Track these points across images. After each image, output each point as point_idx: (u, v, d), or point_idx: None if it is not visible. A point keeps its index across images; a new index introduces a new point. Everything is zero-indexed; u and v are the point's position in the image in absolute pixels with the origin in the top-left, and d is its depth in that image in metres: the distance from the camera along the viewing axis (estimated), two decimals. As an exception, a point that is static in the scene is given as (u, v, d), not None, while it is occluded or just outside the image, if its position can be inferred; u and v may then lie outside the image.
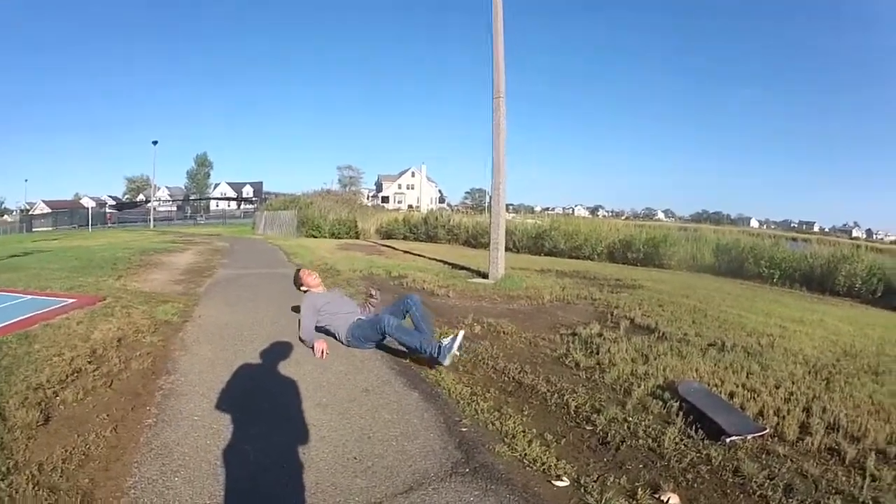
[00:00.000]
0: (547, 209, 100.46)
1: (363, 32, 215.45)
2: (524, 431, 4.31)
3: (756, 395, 5.19)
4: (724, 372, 5.92)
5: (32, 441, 3.97)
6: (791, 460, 3.98)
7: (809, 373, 6.19)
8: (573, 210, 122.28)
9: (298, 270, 7.86)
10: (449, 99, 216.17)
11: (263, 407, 4.82)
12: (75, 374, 5.44)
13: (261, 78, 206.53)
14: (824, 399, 5.25)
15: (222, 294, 10.86)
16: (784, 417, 4.66)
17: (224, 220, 66.45)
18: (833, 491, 3.62)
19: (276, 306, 9.22)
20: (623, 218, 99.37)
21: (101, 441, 4.02)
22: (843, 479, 3.79)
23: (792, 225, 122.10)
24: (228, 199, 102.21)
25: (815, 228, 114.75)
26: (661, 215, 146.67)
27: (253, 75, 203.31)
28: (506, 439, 4.18)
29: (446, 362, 5.58)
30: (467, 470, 3.71)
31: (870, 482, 3.72)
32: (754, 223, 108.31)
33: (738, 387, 5.42)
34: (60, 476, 3.49)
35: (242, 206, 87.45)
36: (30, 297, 9.81)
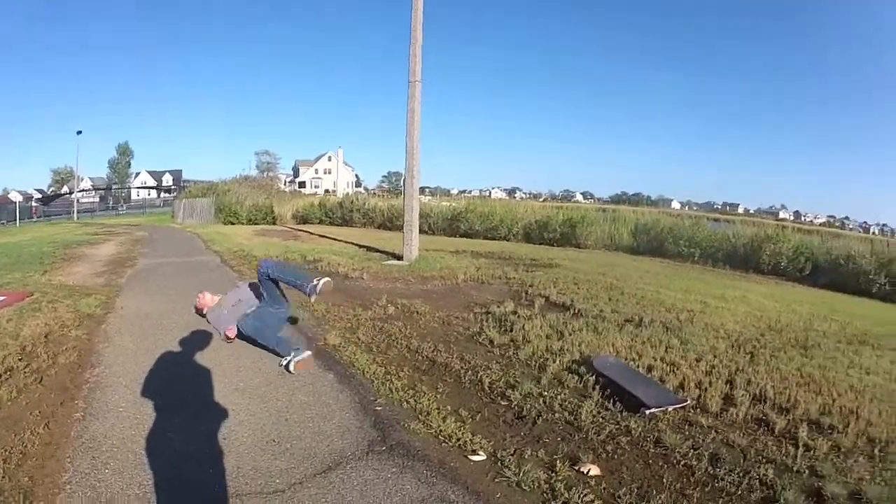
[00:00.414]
0: (464, 192, 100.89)
1: (282, 13, 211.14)
2: (439, 408, 4.36)
3: (676, 369, 5.21)
4: (642, 346, 5.94)
5: None
6: (716, 431, 3.99)
7: (732, 347, 6.23)
8: (490, 192, 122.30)
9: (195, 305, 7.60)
10: (367, 83, 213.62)
11: (185, 394, 4.80)
12: (8, 373, 5.34)
13: (179, 64, 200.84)
14: (749, 372, 5.29)
15: (143, 285, 10.58)
16: (706, 390, 4.67)
17: (145, 210, 65.05)
18: (763, 460, 3.62)
19: (194, 295, 8.70)
20: (541, 200, 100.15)
21: (36, 438, 3.97)
22: (774, 448, 3.79)
23: (715, 206, 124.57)
24: (149, 188, 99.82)
25: (741, 210, 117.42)
26: (579, 197, 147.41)
27: (172, 61, 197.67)
28: (421, 416, 4.22)
29: (313, 299, 5.69)
30: (384, 448, 3.74)
31: (803, 451, 3.72)
32: (675, 204, 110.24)
33: (656, 360, 5.44)
34: (3, 477, 3.45)
35: (163, 195, 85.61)
36: None
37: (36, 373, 5.34)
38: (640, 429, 3.93)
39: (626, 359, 5.40)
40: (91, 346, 6.28)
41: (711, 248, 17.97)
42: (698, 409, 4.35)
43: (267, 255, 14.34)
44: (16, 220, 52.24)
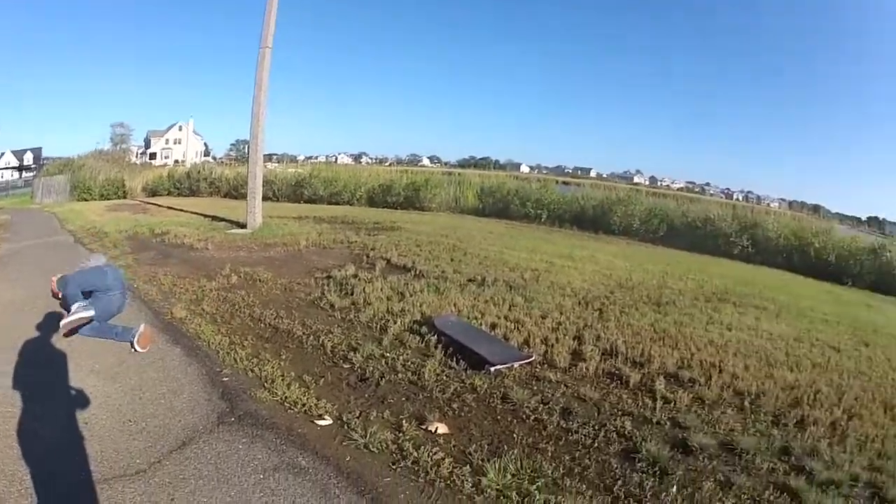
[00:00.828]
0: (310, 158, 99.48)
1: None
2: (283, 375, 4.44)
3: (520, 326, 5.33)
4: (485, 305, 6.07)
5: None
6: (566, 386, 4.11)
7: (580, 304, 6.42)
8: (336, 158, 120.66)
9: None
10: (220, 50, 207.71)
11: (48, 382, 4.71)
12: None
13: (35, 33, 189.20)
14: (597, 328, 5.48)
15: (3, 271, 10.16)
16: (553, 346, 4.80)
17: (8, 192, 61.01)
18: (620, 413, 3.77)
19: (51, 275, 8.53)
20: (387, 164, 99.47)
21: None
22: (630, 401, 3.95)
23: (566, 170, 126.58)
24: (11, 168, 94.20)
25: (593, 174, 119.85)
26: (426, 161, 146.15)
27: (27, 31, 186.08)
28: (266, 384, 4.30)
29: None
30: (233, 419, 3.79)
31: (662, 404, 3.86)
32: (525, 168, 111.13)
33: (500, 318, 5.56)
34: None
35: (24, 175, 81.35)
36: None
37: None
38: (485, 386, 4.04)
39: (468, 318, 5.51)
40: None
41: (559, 210, 18.35)
42: (546, 365, 4.48)
43: (118, 230, 14.20)
44: None
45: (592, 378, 4.23)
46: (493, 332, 5.08)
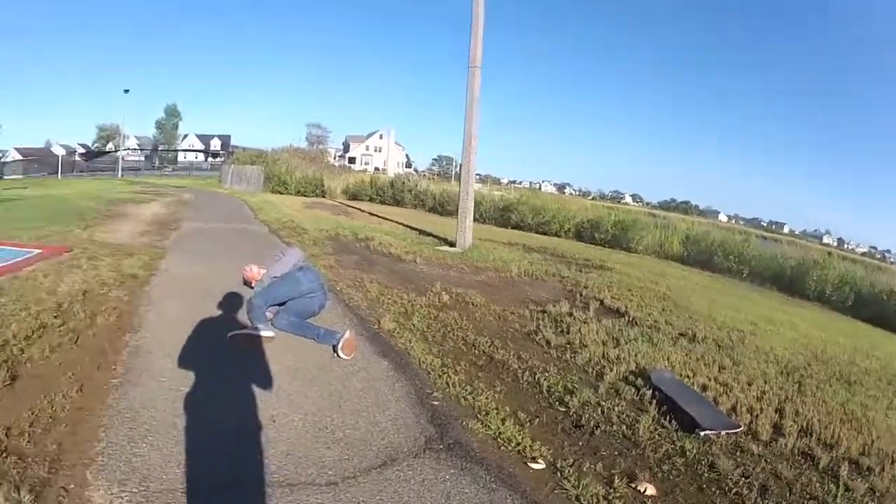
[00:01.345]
0: (513, 182, 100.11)
1: None
2: (497, 408, 4.26)
3: (728, 391, 5.15)
4: (696, 363, 5.90)
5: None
6: (765, 460, 3.93)
7: (781, 373, 6.17)
8: (540, 185, 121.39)
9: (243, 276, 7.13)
10: (422, 63, 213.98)
11: (231, 369, 4.68)
12: (41, 330, 5.19)
13: (229, 29, 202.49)
14: (797, 402, 5.22)
15: (189, 248, 10.68)
16: (757, 416, 4.62)
17: (191, 172, 65.11)
18: (808, 496, 3.59)
19: (241, 263, 8.71)
20: (590, 198, 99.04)
21: (68, 402, 3.82)
22: (817, 485, 3.76)
23: (762, 223, 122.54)
24: (196, 150, 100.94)
25: (786, 230, 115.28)
26: (628, 199, 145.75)
27: (222, 27, 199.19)
28: (479, 416, 4.14)
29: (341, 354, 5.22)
30: (441, 447, 3.64)
31: (843, 491, 3.68)
32: (723, 217, 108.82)
33: (710, 380, 5.40)
34: (28, 441, 3.30)
35: (210, 160, 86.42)
36: None
37: (72, 332, 5.20)
38: (694, 450, 3.89)
39: (680, 375, 5.38)
40: (132, 309, 6.18)
41: (759, 267, 17.73)
42: (749, 436, 4.30)
43: (318, 228, 14.49)
44: (57, 172, 52.71)
45: (789, 456, 4.06)
46: (704, 394, 4.95)
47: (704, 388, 5.16)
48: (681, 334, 7.09)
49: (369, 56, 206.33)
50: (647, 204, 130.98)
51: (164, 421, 3.66)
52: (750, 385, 5.45)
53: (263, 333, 5.28)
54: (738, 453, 4.00)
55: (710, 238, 19.94)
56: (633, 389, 4.84)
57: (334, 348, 5.23)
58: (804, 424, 4.68)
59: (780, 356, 6.88)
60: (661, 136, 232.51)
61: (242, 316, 6.05)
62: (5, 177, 56.71)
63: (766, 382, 5.65)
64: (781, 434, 4.39)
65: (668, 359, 5.89)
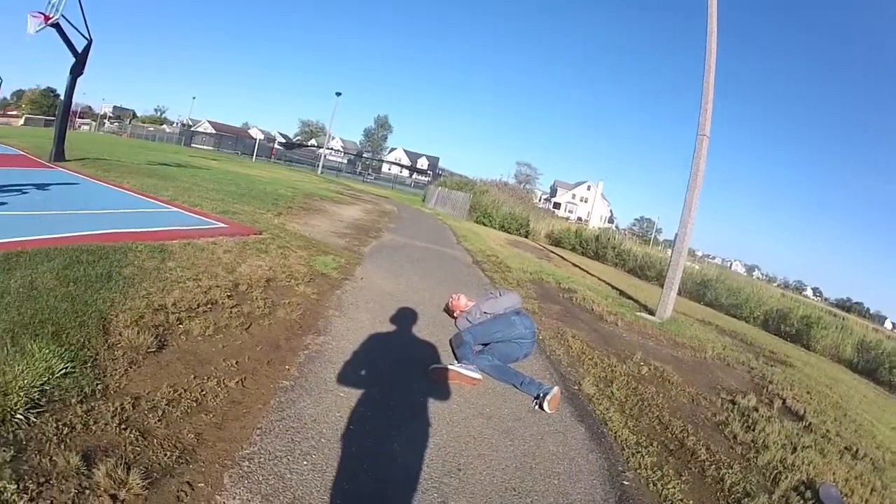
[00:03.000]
0: (707, 255, 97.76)
1: (583, 31, 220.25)
2: (682, 500, 4.20)
3: None
4: (855, 482, 5.96)
5: (135, 368, 3.75)
6: None
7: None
8: (731, 264, 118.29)
9: (447, 303, 7.54)
10: (638, 121, 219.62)
11: (421, 401, 4.60)
12: (209, 306, 5.24)
13: (452, 56, 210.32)
14: None
15: (387, 260, 10.83)
16: None
17: (394, 185, 67.02)
18: None
19: (441, 287, 9.15)
20: (775, 284, 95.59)
21: (222, 391, 3.76)
22: None
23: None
24: (402, 165, 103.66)
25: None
26: (809, 292, 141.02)
27: (442, 52, 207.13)
28: None
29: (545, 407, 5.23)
30: None
31: None
32: (889, 324, 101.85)
33: (863, 501, 5.50)
34: (159, 420, 3.23)
35: (415, 176, 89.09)
36: (174, 209, 9.96)
37: (245, 317, 5.22)
38: None
39: (842, 493, 5.39)
40: (319, 310, 6.17)
41: (925, 385, 16.95)
42: None
43: (522, 269, 15.17)
44: (252, 154, 55.69)
45: None
46: None
47: (863, 511, 5.19)
48: (846, 448, 7.10)
49: (587, 105, 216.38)
50: (826, 300, 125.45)
51: (335, 441, 3.57)
52: (892, 513, 5.44)
53: (470, 374, 5.27)
54: None
55: (882, 347, 19.29)
56: (802, 501, 4.82)
57: (538, 400, 5.23)
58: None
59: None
60: (855, 229, 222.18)
61: (440, 346, 6.06)
62: (193, 145, 61.02)
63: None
64: None
65: (833, 473, 5.88)
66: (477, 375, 5.32)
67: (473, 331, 6.00)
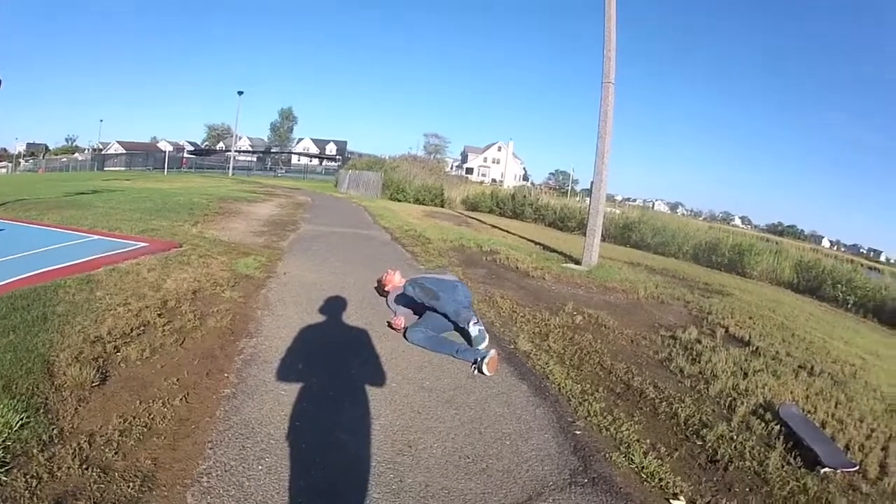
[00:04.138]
0: (627, 199, 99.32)
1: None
2: (638, 440, 4.20)
3: (844, 428, 5.26)
4: (816, 398, 5.99)
5: (84, 405, 3.68)
6: (871, 500, 4.03)
7: (887, 411, 6.22)
8: (653, 204, 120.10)
9: (379, 279, 7.57)
10: (540, 75, 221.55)
11: (361, 384, 4.58)
12: (142, 328, 5.16)
13: (348, 37, 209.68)
14: None
15: (307, 251, 10.81)
16: (867, 454, 4.73)
17: (305, 175, 67.68)
18: None
19: (364, 269, 9.12)
20: (701, 218, 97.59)
21: (169, 411, 3.72)
22: None
23: (861, 250, 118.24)
24: (311, 154, 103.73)
25: (882, 258, 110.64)
26: (738, 221, 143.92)
27: (341, 35, 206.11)
28: (621, 448, 4.07)
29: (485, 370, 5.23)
30: (586, 481, 3.57)
31: None
32: (826, 243, 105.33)
33: (828, 416, 5.50)
34: (116, 452, 3.18)
35: (325, 163, 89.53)
36: (95, 237, 9.65)
37: (178, 333, 5.14)
38: (815, 488, 3.91)
39: (803, 409, 5.44)
40: (248, 312, 6.14)
41: (865, 298, 17.38)
42: (859, 473, 4.35)
43: (442, 238, 14.75)
44: (164, 168, 55.05)
45: (890, 495, 4.14)
46: (823, 430, 5.04)
47: (824, 424, 5.28)
48: (800, 366, 7.18)
49: (488, 67, 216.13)
50: (756, 227, 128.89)
51: (284, 440, 3.56)
52: (861, 422, 5.53)
53: (492, 353, 5.30)
54: (850, 492, 4.06)
55: (822, 266, 19.75)
56: (763, 424, 4.89)
57: (476, 365, 5.22)
58: (905, 463, 4.74)
59: (886, 393, 6.95)
60: (773, 156, 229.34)
61: (370, 328, 6.07)
62: (107, 168, 59.95)
63: (874, 420, 5.72)
64: (885, 473, 4.48)
65: (791, 392, 5.96)
66: (492, 352, 5.36)
67: (419, 290, 6.05)
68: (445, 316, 5.96)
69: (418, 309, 6.32)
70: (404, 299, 6.37)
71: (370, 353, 5.39)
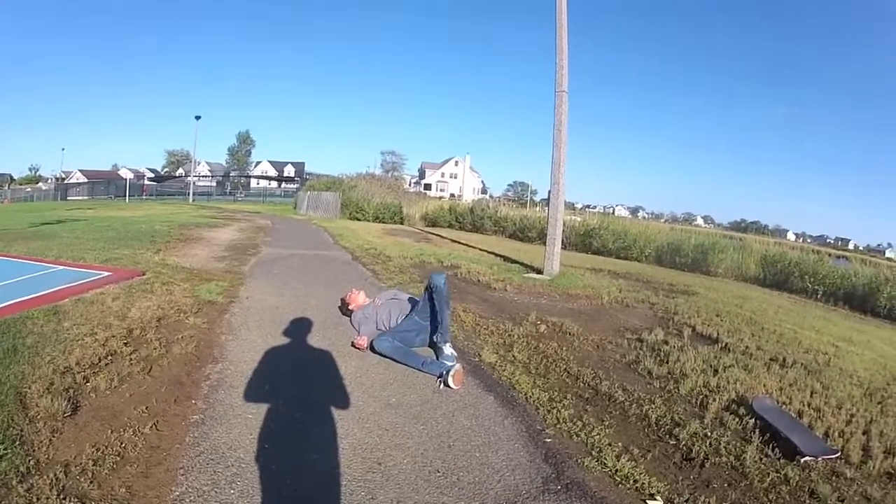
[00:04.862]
0: (587, 206, 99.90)
1: (408, 15, 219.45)
2: (610, 444, 4.18)
3: (822, 416, 5.23)
4: (790, 389, 5.95)
5: (58, 436, 3.66)
6: (857, 483, 3.99)
7: (865, 395, 6.20)
8: (613, 210, 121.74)
9: (343, 298, 7.52)
10: (494, 89, 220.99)
11: (327, 405, 4.56)
12: (109, 358, 5.14)
13: (304, 59, 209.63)
14: (881, 423, 5.28)
15: (269, 275, 10.68)
16: (848, 440, 4.69)
17: (264, 199, 66.75)
18: None
19: (326, 291, 9.07)
20: (662, 221, 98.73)
21: (140, 439, 3.70)
22: None
23: (828, 240, 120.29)
24: (269, 177, 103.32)
25: (851, 246, 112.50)
26: (700, 221, 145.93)
27: (296, 56, 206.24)
28: (593, 452, 4.04)
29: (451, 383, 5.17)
30: (559, 487, 3.53)
31: None
32: (791, 236, 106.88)
33: (804, 405, 5.47)
34: (91, 481, 3.17)
35: (283, 186, 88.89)
36: (61, 267, 9.59)
37: (144, 361, 5.12)
38: (796, 478, 3.91)
39: (778, 401, 5.42)
40: (212, 338, 6.11)
41: (833, 287, 17.60)
42: (841, 459, 4.34)
43: (402, 255, 14.64)
44: (125, 196, 54.53)
45: (876, 477, 4.12)
46: (800, 420, 5.02)
47: (800, 413, 5.25)
48: (772, 359, 7.15)
49: (441, 82, 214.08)
50: (719, 225, 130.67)
51: (255, 463, 3.54)
52: (839, 408, 5.52)
53: (457, 366, 5.29)
54: (833, 478, 4.04)
55: (787, 258, 19.88)
56: (737, 419, 4.88)
57: (442, 378, 5.19)
58: (888, 445, 4.74)
59: (862, 378, 6.94)
60: (731, 156, 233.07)
61: (333, 348, 6.04)
62: (70, 198, 59.27)
63: (852, 405, 5.70)
64: (869, 457, 4.46)
65: (764, 385, 5.93)
66: (457, 365, 5.36)
67: (387, 338, 5.94)
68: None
69: (382, 329, 6.33)
70: (369, 321, 6.47)
71: (335, 372, 5.38)
